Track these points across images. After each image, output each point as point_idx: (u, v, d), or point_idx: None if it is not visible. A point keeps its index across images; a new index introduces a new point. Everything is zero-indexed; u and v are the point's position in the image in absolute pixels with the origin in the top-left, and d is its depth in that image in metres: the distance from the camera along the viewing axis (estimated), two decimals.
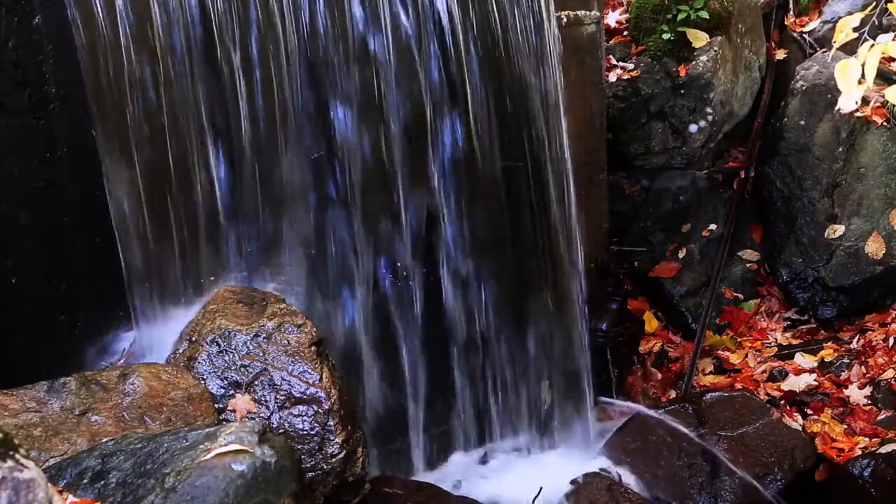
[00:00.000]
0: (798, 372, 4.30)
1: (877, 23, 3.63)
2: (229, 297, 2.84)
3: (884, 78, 4.22)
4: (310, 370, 2.64)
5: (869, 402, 4.10)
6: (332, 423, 2.58)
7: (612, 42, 4.79)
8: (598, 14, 4.14)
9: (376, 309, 3.34)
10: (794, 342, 4.58)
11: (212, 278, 2.97)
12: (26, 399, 2.38)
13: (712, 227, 4.82)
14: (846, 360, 4.33)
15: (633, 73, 4.70)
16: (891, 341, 4.35)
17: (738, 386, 4.23)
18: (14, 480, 1.23)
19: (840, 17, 3.72)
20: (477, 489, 3.44)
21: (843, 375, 4.26)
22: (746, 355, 4.49)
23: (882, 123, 4.55)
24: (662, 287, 4.71)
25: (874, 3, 3.85)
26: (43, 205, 2.65)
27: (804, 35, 5.08)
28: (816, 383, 4.23)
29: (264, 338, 2.68)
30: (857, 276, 4.55)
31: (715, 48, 4.67)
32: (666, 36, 4.67)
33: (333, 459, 2.56)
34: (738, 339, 4.62)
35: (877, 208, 4.57)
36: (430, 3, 3.20)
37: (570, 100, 3.72)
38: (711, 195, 4.86)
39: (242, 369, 2.63)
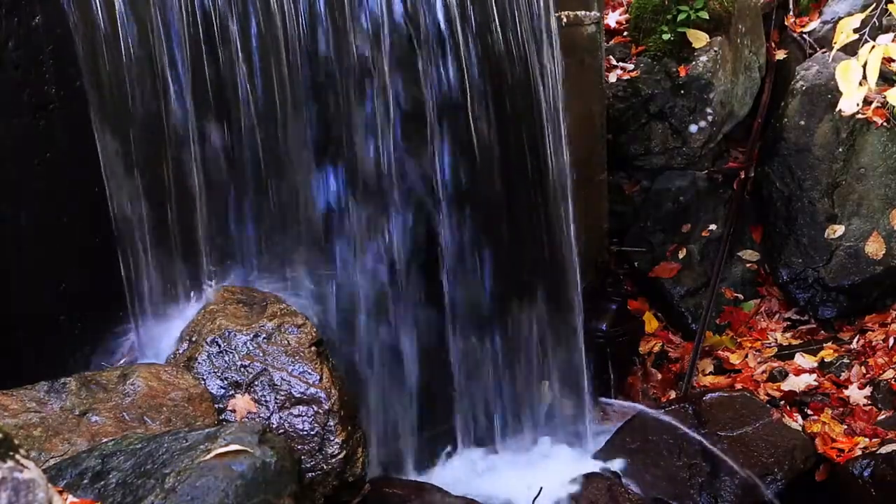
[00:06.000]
0: (798, 372, 4.30)
1: (877, 23, 3.63)
2: (229, 298, 2.84)
3: (884, 79, 4.21)
4: (310, 370, 2.64)
5: (869, 402, 4.09)
6: (332, 424, 2.58)
7: (612, 42, 4.78)
8: (598, 14, 4.14)
9: (376, 307, 3.34)
10: (794, 342, 4.58)
11: (212, 278, 2.97)
12: (26, 399, 2.38)
13: (712, 227, 4.81)
14: (846, 361, 4.33)
15: (633, 74, 4.70)
16: (891, 341, 4.35)
17: (739, 386, 4.22)
18: (14, 481, 1.23)
19: (840, 18, 3.72)
20: (477, 489, 3.44)
21: (843, 376, 4.26)
22: (746, 355, 4.49)
23: (882, 124, 4.55)
24: (662, 287, 4.71)
25: (874, 4, 3.85)
26: (43, 205, 2.65)
27: (804, 35, 5.08)
28: (816, 383, 4.23)
29: (264, 338, 2.68)
30: (857, 277, 4.54)
31: (715, 48, 4.67)
32: (666, 36, 4.67)
33: (333, 460, 2.56)
34: (738, 340, 4.62)
35: (877, 208, 4.56)
36: (430, 3, 3.20)
37: (570, 100, 3.72)
38: (711, 195, 4.85)
39: (242, 369, 2.63)
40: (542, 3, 3.45)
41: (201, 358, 2.65)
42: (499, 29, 3.37)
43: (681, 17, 4.63)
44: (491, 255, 3.54)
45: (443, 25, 3.23)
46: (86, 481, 1.98)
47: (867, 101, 4.43)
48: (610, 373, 4.23)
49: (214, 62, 2.86)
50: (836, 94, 3.87)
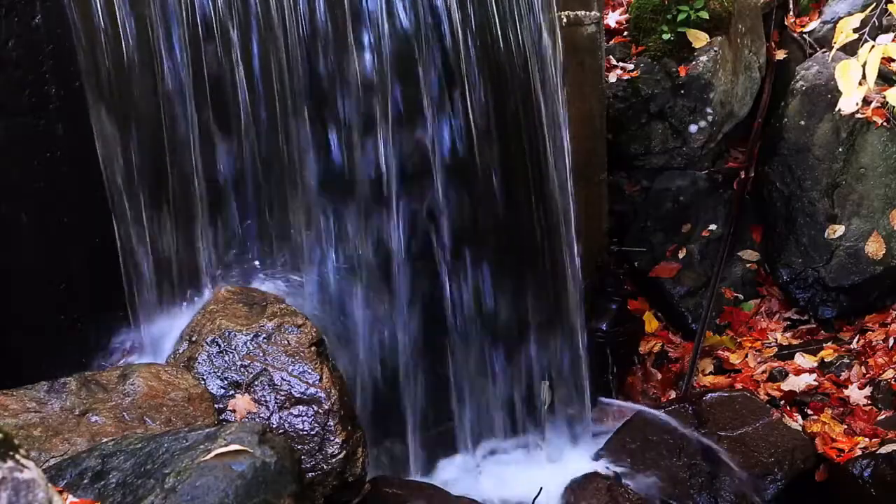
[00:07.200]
0: (798, 372, 4.30)
1: (877, 23, 3.63)
2: (229, 298, 2.84)
3: (884, 78, 4.22)
4: (310, 370, 2.64)
5: (869, 402, 4.10)
6: (332, 424, 2.58)
7: (612, 42, 4.79)
8: (598, 14, 4.14)
9: (376, 306, 3.34)
10: (794, 342, 4.58)
11: (212, 278, 2.97)
12: (26, 399, 2.38)
13: (712, 227, 4.82)
14: (846, 361, 4.33)
15: (633, 74, 4.70)
16: (891, 341, 4.35)
17: (739, 386, 4.23)
18: (14, 481, 1.23)
19: (840, 18, 3.73)
20: (477, 489, 3.44)
21: (843, 375, 4.26)
22: (746, 355, 4.49)
23: (882, 124, 4.55)
24: (662, 287, 4.71)
25: (874, 4, 3.85)
26: (43, 205, 2.65)
27: (804, 35, 5.08)
28: (816, 383, 4.23)
29: (264, 338, 2.68)
30: (857, 277, 4.55)
31: (715, 48, 4.67)
32: (666, 36, 4.67)
33: (333, 460, 2.56)
34: (738, 340, 4.62)
35: (877, 208, 4.57)
36: (430, 2, 3.20)
37: (570, 100, 3.72)
38: (711, 195, 4.86)
39: (242, 369, 2.63)
40: (541, 3, 3.44)
41: (201, 358, 2.65)
42: (498, 29, 3.37)
43: (681, 17, 4.63)
44: (491, 254, 3.54)
45: (443, 25, 3.23)
46: (86, 481, 1.99)
47: (867, 101, 4.44)
48: (610, 373, 4.23)
49: (215, 61, 2.86)
50: (836, 93, 3.87)
